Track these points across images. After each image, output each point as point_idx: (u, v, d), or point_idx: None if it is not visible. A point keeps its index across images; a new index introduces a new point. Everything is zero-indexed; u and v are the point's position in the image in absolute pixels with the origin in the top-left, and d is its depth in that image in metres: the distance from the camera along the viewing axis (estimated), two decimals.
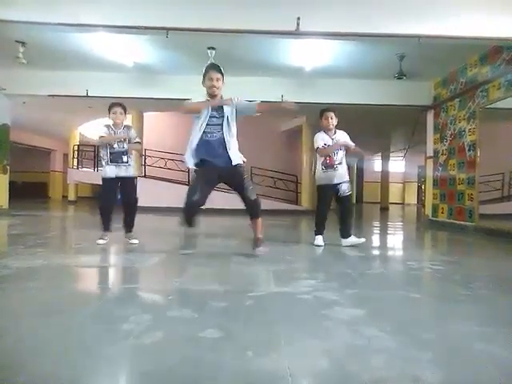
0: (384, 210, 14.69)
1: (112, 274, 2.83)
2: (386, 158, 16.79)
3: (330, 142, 3.98)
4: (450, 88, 7.07)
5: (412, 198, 21.99)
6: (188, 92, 7.39)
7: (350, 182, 4.26)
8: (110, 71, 7.50)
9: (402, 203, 21.92)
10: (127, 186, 3.90)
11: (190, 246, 3.42)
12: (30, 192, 16.67)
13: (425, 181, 8.35)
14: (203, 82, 3.29)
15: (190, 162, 3.28)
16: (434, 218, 7.44)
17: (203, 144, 3.21)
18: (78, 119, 12.39)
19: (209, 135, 3.22)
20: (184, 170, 11.06)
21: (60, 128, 13.69)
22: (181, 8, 4.47)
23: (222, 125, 3.22)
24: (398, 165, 19.12)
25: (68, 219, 8.44)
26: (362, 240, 4.04)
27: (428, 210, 7.77)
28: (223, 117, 3.23)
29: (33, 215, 8.02)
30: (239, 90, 3.81)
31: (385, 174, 16.75)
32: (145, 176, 10.69)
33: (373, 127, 10.13)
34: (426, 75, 7.31)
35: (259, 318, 1.81)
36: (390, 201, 16.80)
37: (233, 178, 3.30)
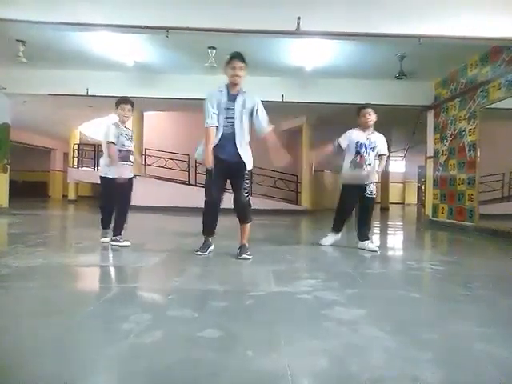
0: (384, 210, 14.69)
1: (112, 273, 2.82)
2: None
3: (363, 140, 3.82)
4: (450, 88, 7.07)
5: (412, 198, 22.00)
6: (188, 91, 7.52)
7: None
8: (110, 70, 7.50)
9: (403, 203, 21.93)
10: (126, 186, 3.76)
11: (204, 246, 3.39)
12: (30, 191, 16.69)
13: (425, 181, 8.35)
14: (225, 70, 3.14)
15: (210, 161, 3.10)
16: (435, 218, 7.44)
17: (220, 139, 3.11)
18: (78, 118, 12.39)
19: (225, 129, 3.13)
20: (184, 169, 11.11)
21: (60, 127, 13.70)
22: (181, 7, 4.47)
23: (233, 117, 3.12)
24: (398, 165, 19.12)
25: (68, 218, 8.44)
26: (376, 249, 3.80)
27: (428, 210, 7.77)
28: (238, 110, 3.13)
29: (33, 214, 8.02)
30: None
31: (385, 174, 16.73)
32: (145, 175, 10.69)
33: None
34: (427, 75, 7.31)
35: (259, 317, 1.81)
36: (391, 201, 16.79)
37: (235, 174, 3.21)
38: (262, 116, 3.18)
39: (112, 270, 2.88)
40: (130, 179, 3.81)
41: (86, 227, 6.02)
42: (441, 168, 7.27)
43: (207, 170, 3.18)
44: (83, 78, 7.62)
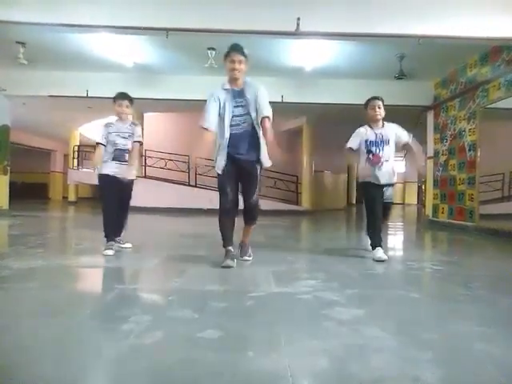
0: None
1: (112, 274, 2.82)
2: None
3: (372, 138, 3.45)
4: (450, 88, 7.07)
5: (412, 199, 21.96)
6: (188, 92, 7.52)
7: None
8: (110, 71, 7.50)
9: (403, 203, 21.91)
10: (125, 188, 3.50)
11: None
12: (30, 193, 16.68)
13: (425, 181, 8.35)
14: (224, 65, 2.92)
15: (221, 166, 2.90)
16: (435, 218, 7.44)
17: (230, 139, 2.87)
18: (78, 120, 12.39)
19: (234, 128, 2.88)
20: (184, 170, 11.11)
21: (60, 129, 13.70)
22: (180, 8, 4.47)
23: (247, 114, 2.88)
24: (398, 165, 19.07)
25: (68, 220, 8.44)
26: (385, 258, 3.31)
27: (428, 210, 7.77)
28: (247, 105, 2.88)
29: (33, 216, 8.02)
30: None
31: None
32: (145, 177, 10.70)
33: None
34: (426, 75, 7.31)
35: (259, 318, 1.81)
36: None
37: (248, 174, 2.94)
38: (263, 103, 2.85)
39: (112, 271, 2.88)
40: (130, 181, 3.52)
41: (86, 228, 6.02)
42: (441, 168, 7.28)
43: (219, 175, 2.95)
44: (83, 79, 7.63)
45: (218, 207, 2.98)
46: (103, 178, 3.43)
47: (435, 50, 5.73)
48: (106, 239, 3.42)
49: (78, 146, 14.19)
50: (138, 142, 3.58)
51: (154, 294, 2.17)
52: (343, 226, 8.29)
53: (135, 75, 7.59)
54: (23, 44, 5.99)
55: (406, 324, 1.75)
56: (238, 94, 2.90)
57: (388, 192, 3.53)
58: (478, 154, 6.10)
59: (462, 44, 4.95)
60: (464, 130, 6.52)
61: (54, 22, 4.40)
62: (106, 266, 2.95)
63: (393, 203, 3.60)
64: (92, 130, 13.63)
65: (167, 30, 4.49)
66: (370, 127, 3.52)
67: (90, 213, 9.76)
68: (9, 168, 8.24)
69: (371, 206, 3.50)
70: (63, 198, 17.76)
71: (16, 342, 1.45)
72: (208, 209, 9.01)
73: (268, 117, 2.82)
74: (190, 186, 10.80)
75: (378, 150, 3.45)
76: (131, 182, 3.55)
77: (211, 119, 2.85)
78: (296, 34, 4.50)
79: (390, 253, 4.22)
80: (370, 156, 3.46)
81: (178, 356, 1.36)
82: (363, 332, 1.61)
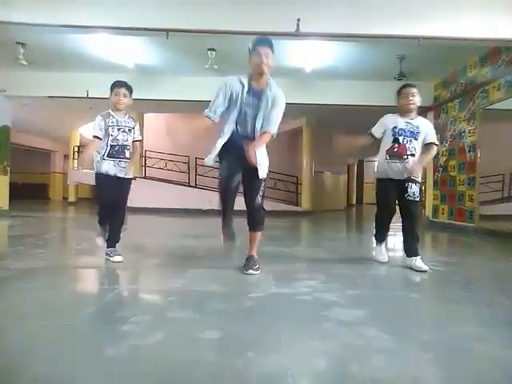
0: None
1: (112, 275, 2.82)
2: None
3: (402, 126, 3.08)
4: (450, 89, 7.08)
5: None
6: (188, 93, 7.53)
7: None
8: (110, 72, 7.48)
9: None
10: (123, 188, 3.14)
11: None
12: (31, 193, 16.68)
13: (425, 182, 8.35)
14: (249, 61, 2.63)
15: (210, 159, 2.68)
16: (435, 219, 7.44)
17: (231, 137, 2.66)
18: (78, 120, 12.40)
19: (240, 128, 2.67)
20: (184, 171, 11.11)
21: (60, 129, 13.71)
22: (180, 9, 4.48)
23: (254, 119, 2.65)
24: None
25: (68, 220, 8.44)
26: (426, 268, 2.94)
27: (428, 211, 7.77)
28: (259, 110, 2.63)
29: (33, 216, 8.02)
30: None
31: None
32: (145, 177, 10.70)
33: None
34: (426, 76, 7.32)
35: (259, 318, 1.81)
36: None
37: (250, 172, 2.65)
38: (273, 119, 2.65)
39: (112, 271, 2.88)
40: (128, 180, 3.19)
41: (85, 229, 6.02)
42: (441, 169, 7.28)
43: (221, 162, 2.73)
44: (83, 80, 7.63)
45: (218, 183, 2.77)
46: (102, 177, 3.04)
47: (435, 51, 5.73)
48: (99, 226, 3.20)
49: (78, 147, 14.19)
50: (139, 140, 3.28)
51: (154, 295, 2.17)
52: (343, 227, 8.28)
53: (136, 76, 7.58)
54: (23, 45, 6.00)
55: (405, 325, 1.75)
56: (254, 94, 2.64)
57: (412, 189, 3.07)
58: (478, 154, 6.11)
59: (462, 45, 4.95)
60: (464, 131, 6.52)
61: (55, 22, 4.40)
62: (106, 267, 2.94)
63: (418, 202, 3.12)
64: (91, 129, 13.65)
65: (167, 30, 4.49)
66: (401, 116, 3.15)
67: (89, 213, 9.76)
68: (9, 168, 8.24)
69: (379, 207, 3.26)
70: (63, 198, 17.77)
71: (16, 343, 1.45)
72: (208, 209, 9.02)
73: (270, 133, 2.62)
74: (189, 186, 10.81)
75: (405, 141, 3.07)
76: (130, 181, 3.22)
77: (214, 109, 2.65)
78: (296, 34, 4.50)
79: (390, 253, 4.22)
80: (396, 146, 3.07)
81: (178, 356, 1.36)
82: (363, 333, 1.61)
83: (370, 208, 16.63)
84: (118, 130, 3.07)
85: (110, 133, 3.04)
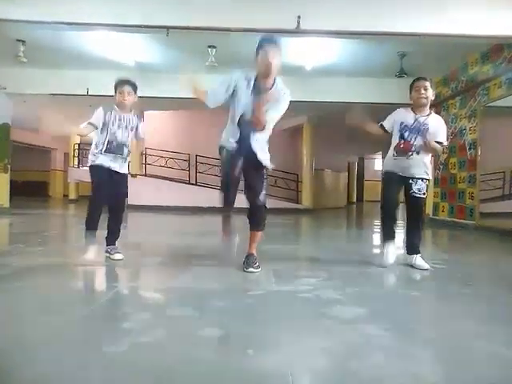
0: None
1: (112, 272, 2.82)
2: None
3: (410, 122, 3.02)
4: (450, 86, 7.06)
5: None
6: (189, 91, 7.49)
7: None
8: (110, 70, 7.48)
9: (403, 202, 21.90)
10: (120, 183, 3.07)
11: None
12: (31, 191, 16.69)
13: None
14: (256, 60, 2.59)
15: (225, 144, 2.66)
16: (435, 217, 7.43)
17: (239, 126, 2.62)
18: (78, 118, 12.38)
19: (242, 127, 2.61)
20: (185, 168, 11.10)
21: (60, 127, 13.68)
22: (181, 6, 4.46)
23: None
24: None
25: (68, 218, 8.45)
26: (427, 266, 2.93)
27: (429, 209, 7.75)
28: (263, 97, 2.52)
29: (33, 214, 8.03)
30: None
31: None
32: (146, 175, 10.70)
33: None
34: (427, 73, 7.23)
35: (260, 316, 1.81)
36: None
37: (252, 168, 2.66)
38: (274, 115, 2.57)
39: (112, 269, 2.88)
40: (124, 175, 3.11)
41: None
42: (441, 166, 7.27)
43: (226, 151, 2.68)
44: (84, 77, 7.61)
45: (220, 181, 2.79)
46: (96, 168, 2.97)
47: (436, 48, 5.71)
48: (85, 231, 3.03)
49: (79, 145, 14.19)
50: (141, 139, 3.23)
51: (154, 293, 2.17)
52: (344, 225, 8.29)
53: (136, 73, 7.55)
54: (23, 42, 5.98)
55: (406, 322, 1.75)
56: (260, 92, 2.54)
57: (417, 185, 3.01)
58: (479, 152, 6.10)
59: (463, 42, 4.93)
60: (465, 129, 6.51)
61: (55, 19, 4.39)
62: (106, 265, 2.95)
63: (422, 198, 3.06)
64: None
65: (167, 28, 4.48)
66: (412, 111, 3.08)
67: None
68: (9, 166, 8.24)
69: (384, 201, 3.17)
70: (64, 196, 17.77)
71: (16, 341, 1.45)
72: (208, 207, 9.02)
73: (267, 121, 2.51)
74: (190, 184, 10.81)
75: (410, 138, 2.99)
76: (125, 176, 3.13)
77: (212, 97, 2.65)
78: (296, 31, 4.50)
79: None
80: (402, 142, 3.02)
81: (178, 354, 1.36)
82: (364, 330, 1.61)
83: (370, 206, 16.63)
84: (118, 126, 3.01)
85: (110, 129, 2.97)
